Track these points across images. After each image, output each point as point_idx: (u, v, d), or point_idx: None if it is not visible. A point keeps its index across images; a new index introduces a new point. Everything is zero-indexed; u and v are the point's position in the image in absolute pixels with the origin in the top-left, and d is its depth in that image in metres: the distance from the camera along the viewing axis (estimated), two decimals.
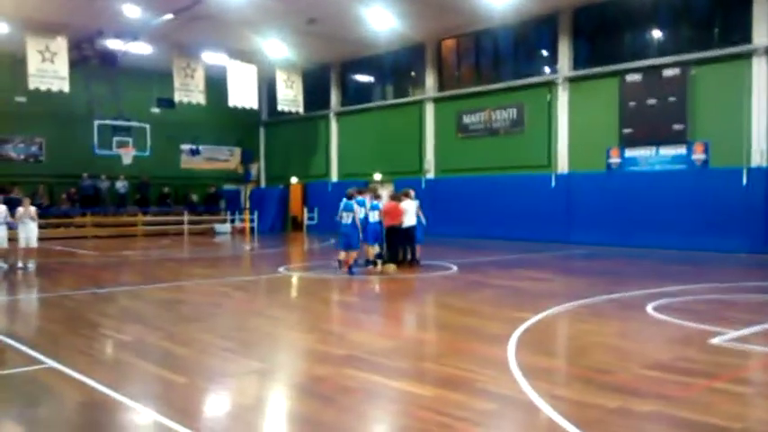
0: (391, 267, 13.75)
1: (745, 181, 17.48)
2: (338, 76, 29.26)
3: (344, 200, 13.60)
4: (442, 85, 25.29)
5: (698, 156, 18.44)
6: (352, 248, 13.41)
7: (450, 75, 25.27)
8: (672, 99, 18.70)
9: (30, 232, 14.68)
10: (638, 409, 4.87)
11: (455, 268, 14.12)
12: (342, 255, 13.60)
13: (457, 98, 24.51)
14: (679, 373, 5.84)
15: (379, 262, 13.76)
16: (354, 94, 29.03)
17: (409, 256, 14.61)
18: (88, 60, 23.64)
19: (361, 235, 13.45)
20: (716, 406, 4.92)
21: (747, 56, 17.54)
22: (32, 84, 20.69)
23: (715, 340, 7.00)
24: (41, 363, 6.24)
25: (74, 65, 22.12)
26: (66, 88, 21.28)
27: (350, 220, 13.27)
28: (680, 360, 6.29)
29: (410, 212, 14.37)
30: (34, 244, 14.83)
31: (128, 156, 25.28)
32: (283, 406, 5.32)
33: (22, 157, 26.53)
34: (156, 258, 18.01)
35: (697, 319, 8.18)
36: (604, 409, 4.85)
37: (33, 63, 20.57)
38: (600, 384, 5.51)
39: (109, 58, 23.71)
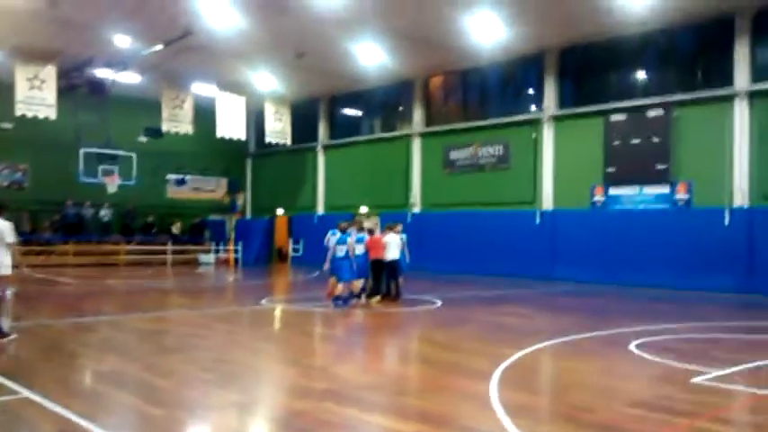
0: (375, 300, 13.72)
1: (727, 221, 17.70)
2: (327, 109, 29.49)
3: (338, 233, 13.65)
4: (429, 121, 25.56)
5: (681, 195, 18.67)
6: (345, 281, 13.39)
7: (438, 111, 25.56)
8: (656, 139, 19.01)
9: (3, 257, 13.63)
10: None
11: (439, 303, 14.09)
12: (339, 287, 13.48)
13: (444, 134, 24.76)
14: (661, 411, 5.82)
15: (364, 295, 13.73)
16: (342, 128, 29.24)
17: (393, 290, 14.57)
18: (77, 88, 23.67)
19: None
20: None
21: (729, 99, 17.92)
22: (19, 110, 20.63)
23: (697, 379, 7.00)
24: (16, 393, 6.11)
25: (62, 93, 22.10)
26: (53, 116, 21.23)
27: (343, 253, 13.32)
28: (662, 398, 6.28)
29: (392, 246, 14.36)
30: (7, 271, 13.69)
31: (113, 184, 25.18)
32: None
33: (5, 184, 26.32)
34: (139, 288, 17.83)
35: (679, 357, 8.18)
36: None
37: (21, 90, 20.54)
38: (582, 422, 5.48)
39: (98, 87, 23.76)
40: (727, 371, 7.48)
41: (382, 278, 14.31)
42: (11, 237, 8.71)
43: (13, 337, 8.89)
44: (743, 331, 10.87)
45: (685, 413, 5.81)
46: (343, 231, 13.69)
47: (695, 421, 5.56)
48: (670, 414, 5.75)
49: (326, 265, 13.58)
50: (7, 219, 8.99)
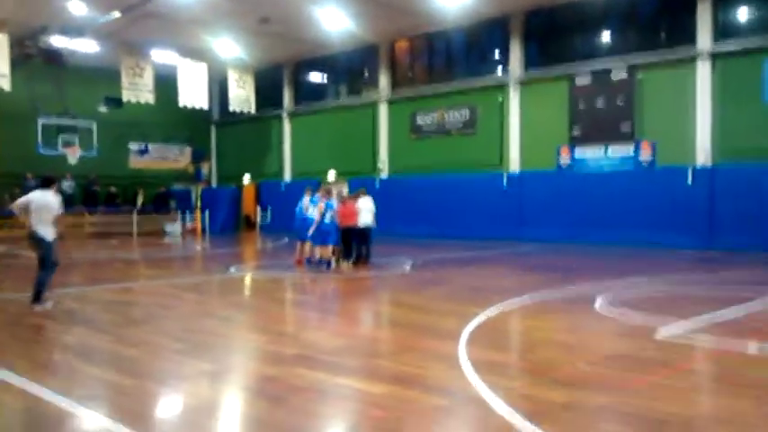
0: (345, 266, 13.79)
1: (690, 180, 18.05)
2: (291, 75, 29.09)
3: (323, 199, 13.74)
4: (395, 86, 25.40)
5: (645, 155, 18.96)
6: (327, 244, 13.53)
7: (404, 75, 25.39)
8: (620, 101, 19.20)
9: None
10: (587, 402, 4.98)
11: (408, 266, 14.19)
12: (317, 251, 13.63)
13: (410, 99, 24.66)
14: (625, 366, 5.98)
15: (333, 260, 13.78)
16: (307, 94, 28.90)
17: (364, 254, 14.61)
18: (31, 58, 22.94)
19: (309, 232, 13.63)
20: (660, 399, 5.05)
21: (692, 60, 18.14)
22: None
23: (660, 334, 7.19)
24: None
25: (16, 62, 21.42)
26: (7, 86, 20.59)
27: (330, 219, 13.44)
28: (626, 354, 6.45)
29: (365, 211, 14.38)
30: None
31: (74, 155, 24.63)
32: (234, 407, 5.25)
33: None
34: (104, 259, 17.59)
35: (643, 313, 8.39)
36: (554, 403, 4.93)
37: None
38: (549, 378, 5.60)
39: (53, 56, 23.05)
40: (690, 325, 7.69)
41: (353, 244, 14.33)
42: (58, 210, 9.52)
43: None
44: (704, 285, 11.17)
45: (649, 367, 5.97)
46: (327, 198, 13.80)
47: (658, 375, 5.72)
48: (635, 369, 5.91)
49: (310, 231, 13.58)
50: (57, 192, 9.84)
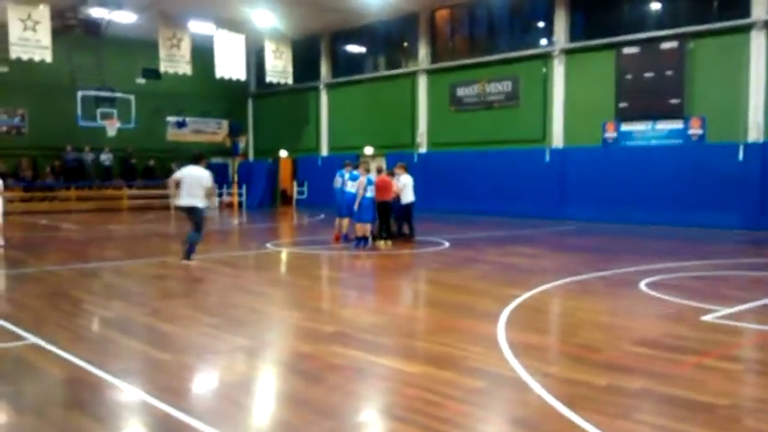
0: (382, 243, 13.64)
1: (741, 156, 17.43)
2: (328, 46, 28.86)
3: (346, 173, 13.87)
4: (435, 57, 24.98)
5: (694, 130, 18.35)
6: (365, 221, 13.39)
7: (444, 46, 24.96)
8: (669, 72, 18.56)
9: None
10: (628, 386, 4.82)
11: (447, 244, 14.04)
12: (359, 228, 13.47)
13: (450, 70, 24.22)
14: (669, 350, 5.78)
15: (369, 238, 13.67)
16: (345, 66, 28.65)
17: (406, 231, 14.49)
18: (71, 29, 23.18)
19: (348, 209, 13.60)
20: (705, 383, 4.88)
21: (746, 29, 17.39)
22: (14, 53, 20.23)
23: (707, 317, 6.96)
24: (24, 339, 6.11)
25: (57, 34, 21.63)
26: (48, 58, 20.82)
27: (371, 194, 13.28)
28: (670, 337, 6.24)
29: (409, 187, 14.26)
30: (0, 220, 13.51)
31: (112, 127, 24.93)
32: (270, 383, 5.23)
33: (4, 129, 26.08)
34: (142, 233, 17.83)
35: (689, 296, 8.14)
36: (593, 386, 4.79)
37: (15, 31, 20.09)
38: (589, 362, 5.45)
39: (92, 28, 23.24)
40: (737, 308, 7.43)
41: (390, 220, 14.16)
42: (208, 182, 10.89)
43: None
44: (754, 268, 10.80)
45: (694, 351, 5.77)
46: (368, 172, 13.71)
47: (703, 359, 5.53)
48: (678, 352, 5.71)
49: (356, 207, 13.43)
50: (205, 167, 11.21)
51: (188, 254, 10.89)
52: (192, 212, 10.76)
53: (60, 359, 5.49)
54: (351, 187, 13.67)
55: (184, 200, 10.64)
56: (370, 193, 13.33)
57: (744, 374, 5.36)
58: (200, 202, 10.72)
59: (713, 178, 17.74)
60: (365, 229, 13.51)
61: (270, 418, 4.43)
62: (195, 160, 11.16)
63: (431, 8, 24.46)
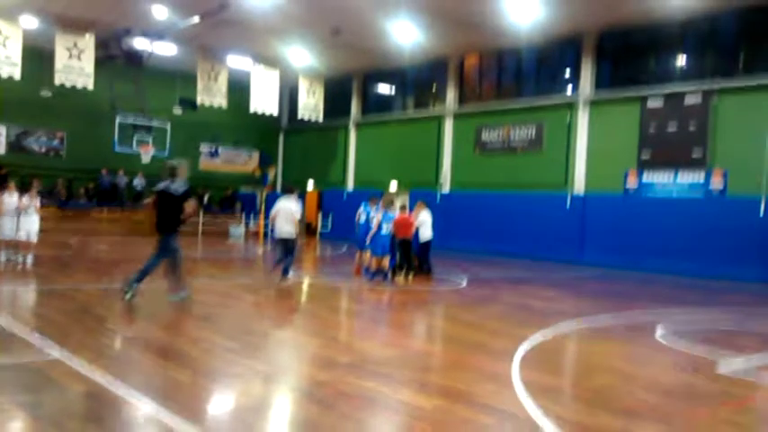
0: (401, 278, 13.75)
1: (762, 211, 17.31)
2: (360, 86, 29.41)
3: (371, 208, 14.01)
4: (462, 100, 25.34)
5: (716, 184, 18.29)
6: (386, 255, 13.60)
7: (472, 90, 25.31)
8: (692, 126, 18.60)
9: (32, 225, 13.62)
10: None
11: (465, 282, 14.08)
12: (374, 262, 13.69)
13: (477, 114, 24.54)
14: (683, 398, 5.77)
15: (390, 273, 13.80)
16: (375, 105, 29.15)
17: (425, 268, 14.58)
18: (114, 59, 23.96)
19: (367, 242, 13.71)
20: None
21: None
22: (58, 79, 20.98)
23: (723, 368, 6.92)
24: (47, 354, 6.28)
25: (100, 62, 22.41)
26: (90, 85, 21.54)
27: (388, 231, 13.52)
28: (685, 386, 6.22)
29: (427, 224, 14.36)
30: (34, 238, 13.75)
31: (147, 154, 25.54)
32: (283, 409, 5.32)
33: (43, 150, 26.88)
34: None
35: (706, 345, 8.09)
36: (606, 430, 4.80)
37: (60, 59, 20.86)
38: (603, 406, 5.46)
39: (134, 58, 24.02)
40: (754, 360, 7.37)
41: (412, 256, 14.27)
42: (297, 213, 12.17)
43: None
44: None
45: (708, 402, 5.75)
46: (386, 209, 13.85)
47: (718, 410, 5.50)
48: (693, 402, 5.70)
49: (368, 241, 13.69)
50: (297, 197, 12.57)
51: (285, 272, 12.17)
52: (287, 241, 12.06)
53: (81, 374, 5.63)
54: (385, 229, 13.61)
55: (279, 232, 12.08)
56: (386, 230, 13.51)
57: (758, 427, 5.33)
58: (293, 232, 12.02)
59: (734, 231, 17.59)
60: (384, 262, 13.67)
61: None
62: (286, 192, 12.51)
63: (460, 54, 24.90)
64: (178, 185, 9.62)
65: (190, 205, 9.72)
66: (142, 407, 4.91)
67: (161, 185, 9.59)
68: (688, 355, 7.64)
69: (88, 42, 21.31)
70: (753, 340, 8.95)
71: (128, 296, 9.41)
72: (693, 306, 12.05)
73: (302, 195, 30.90)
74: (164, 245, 9.59)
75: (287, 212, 11.97)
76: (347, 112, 29.63)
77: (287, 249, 12.11)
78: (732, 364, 7.09)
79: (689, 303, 12.49)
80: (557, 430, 4.72)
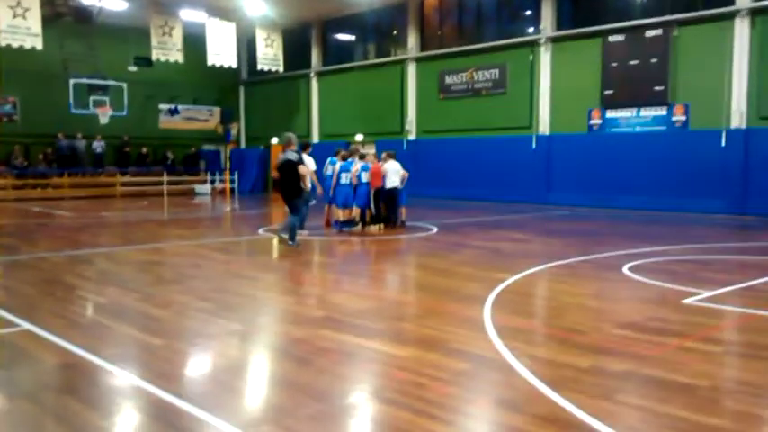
0: (375, 228, 13.88)
1: (724, 142, 17.61)
2: (319, 34, 28.81)
3: (339, 161, 14.05)
4: (424, 45, 25.03)
5: (678, 117, 18.51)
6: (350, 206, 13.82)
7: (433, 34, 24.98)
8: (654, 60, 18.67)
9: None
10: (611, 368, 4.95)
11: (435, 229, 14.17)
12: (340, 213, 13.93)
13: (439, 58, 24.28)
14: (652, 332, 5.93)
15: (361, 223, 13.88)
16: (335, 54, 28.64)
17: (394, 218, 14.65)
18: (62, 17, 23.05)
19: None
20: (686, 364, 5.02)
21: (730, 17, 17.49)
22: (3, 40, 20.13)
23: (689, 300, 7.11)
24: (16, 325, 6.19)
25: (47, 21, 21.53)
26: (39, 45, 20.73)
27: (348, 180, 13.66)
28: (653, 320, 6.39)
29: (391, 173, 14.35)
30: None
31: (105, 115, 24.84)
32: (261, 367, 5.34)
33: None
34: (135, 219, 17.87)
35: (672, 279, 8.30)
36: (577, 368, 4.92)
37: (4, 18, 19.97)
38: (574, 344, 5.59)
39: (84, 15, 23.14)
40: (719, 291, 7.59)
41: (380, 206, 14.37)
42: (312, 167, 12.39)
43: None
44: (735, 252, 10.99)
45: (676, 333, 5.92)
46: (344, 159, 14.00)
47: (685, 341, 5.67)
48: (661, 335, 5.86)
49: (330, 193, 14.00)
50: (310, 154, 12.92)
51: (292, 237, 11.66)
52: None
53: (53, 345, 5.56)
54: (344, 179, 13.77)
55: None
56: (345, 180, 13.68)
57: (724, 356, 5.50)
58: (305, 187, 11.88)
59: (697, 164, 17.94)
60: (350, 213, 13.85)
61: (261, 402, 4.54)
62: (302, 149, 12.42)
63: None
64: (292, 155, 11.10)
65: (302, 168, 11.20)
66: (118, 374, 4.89)
67: (281, 158, 11.17)
68: (656, 290, 7.83)
69: (33, 0, 20.41)
70: (717, 271, 9.21)
71: (298, 245, 11.31)
72: (660, 241, 12.32)
73: (267, 149, 30.61)
74: (293, 207, 11.38)
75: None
76: (308, 61, 29.08)
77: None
78: (698, 296, 7.29)
79: (655, 238, 12.76)
80: (529, 370, 4.82)
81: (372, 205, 14.13)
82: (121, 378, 4.84)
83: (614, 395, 4.40)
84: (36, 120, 26.04)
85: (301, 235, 12.13)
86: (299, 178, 11.12)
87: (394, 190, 14.38)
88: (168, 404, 4.27)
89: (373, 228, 13.91)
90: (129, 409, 4.35)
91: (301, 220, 12.13)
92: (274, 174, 12.39)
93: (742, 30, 17.32)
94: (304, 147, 12.92)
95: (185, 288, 8.17)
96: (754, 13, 17.17)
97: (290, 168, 11.07)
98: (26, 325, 6.16)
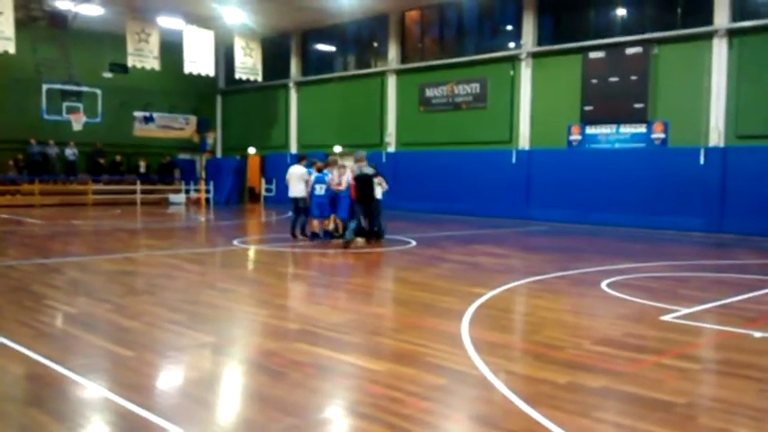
0: (360, 240, 13.81)
1: (702, 160, 17.83)
2: (299, 44, 28.74)
3: (314, 171, 14.05)
4: (404, 58, 25.08)
5: (657, 134, 18.71)
6: (326, 217, 14.04)
7: (414, 47, 25.07)
8: (633, 77, 18.88)
9: None
10: (588, 384, 4.91)
11: (414, 243, 14.12)
12: (315, 224, 14.08)
13: (419, 71, 24.33)
14: (629, 349, 5.91)
15: (332, 233, 13.93)
16: (315, 64, 28.58)
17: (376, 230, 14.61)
18: (36, 21, 22.70)
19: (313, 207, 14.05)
20: (663, 381, 5.00)
21: (708, 37, 17.78)
22: None
23: (666, 317, 7.13)
24: None
25: (21, 25, 21.20)
26: (11, 49, 20.38)
27: (323, 191, 13.72)
28: (631, 336, 6.38)
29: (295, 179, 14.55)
30: None
31: (78, 122, 24.48)
32: (233, 381, 5.21)
33: None
34: (107, 229, 17.57)
35: (650, 296, 8.32)
36: (555, 384, 4.88)
37: None
38: (551, 360, 5.54)
39: (58, 20, 22.81)
40: (695, 309, 7.62)
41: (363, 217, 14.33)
42: (306, 177, 13.96)
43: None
44: (713, 270, 11.08)
45: (653, 350, 5.91)
46: (320, 171, 13.96)
47: (662, 358, 5.66)
48: (638, 351, 5.84)
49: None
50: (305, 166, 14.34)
51: (295, 233, 14.16)
52: (298, 202, 14.04)
53: (20, 355, 5.41)
54: (319, 190, 13.69)
55: (293, 191, 14.09)
56: (319, 191, 13.80)
57: (700, 374, 5.50)
58: (303, 193, 13.91)
59: (675, 181, 18.13)
60: (325, 224, 14.03)
61: (233, 416, 4.42)
62: (297, 160, 14.86)
63: (401, 9, 24.53)
64: (367, 169, 13.54)
65: (379, 180, 13.71)
66: (87, 386, 4.74)
67: (357, 172, 13.50)
68: (633, 306, 7.84)
69: (5, 3, 20.09)
70: (694, 288, 9.25)
71: (358, 240, 13.48)
72: (638, 257, 12.39)
73: (244, 159, 30.38)
74: (368, 212, 13.64)
75: (297, 175, 13.93)
76: (287, 71, 28.98)
77: (301, 208, 13.98)
78: (675, 313, 7.31)
79: (633, 255, 12.83)
80: (506, 386, 4.77)
81: (362, 218, 14.03)
82: (90, 390, 4.69)
83: (592, 412, 4.36)
84: (7, 125, 25.54)
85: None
86: (373, 189, 13.33)
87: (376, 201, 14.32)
88: (138, 417, 4.15)
89: (359, 240, 13.86)
90: (98, 422, 4.22)
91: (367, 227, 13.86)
92: (352, 183, 13.64)
93: (720, 49, 17.59)
94: (299, 158, 15.01)
95: (157, 299, 8.01)
96: (732, 33, 17.47)
97: (367, 181, 13.31)
98: None
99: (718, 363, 5.91)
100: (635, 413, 4.34)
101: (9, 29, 20.15)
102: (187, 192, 29.16)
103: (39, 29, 23.09)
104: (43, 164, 26.50)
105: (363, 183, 13.33)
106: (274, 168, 28.89)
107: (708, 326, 7.06)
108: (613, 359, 5.59)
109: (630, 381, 4.99)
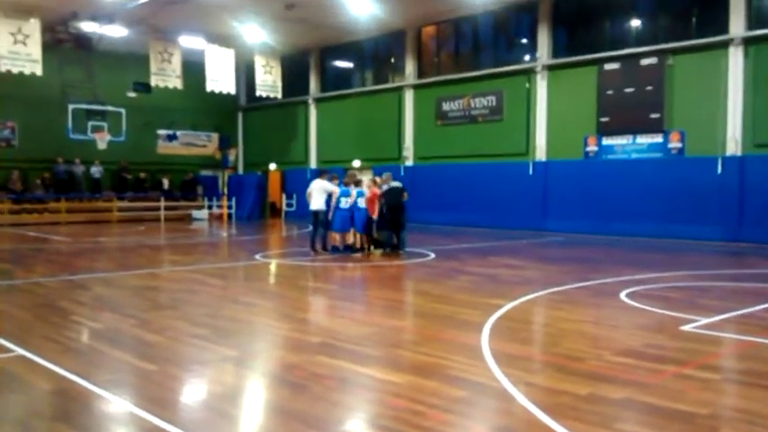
0: (377, 254, 13.93)
1: (719, 169, 17.69)
2: (317, 61, 29.05)
3: (341, 186, 14.38)
4: (421, 72, 25.24)
5: (674, 144, 18.61)
6: (347, 231, 14.23)
7: (430, 61, 25.21)
8: (649, 88, 18.83)
9: None
10: (609, 395, 4.91)
11: (432, 255, 14.15)
12: (336, 237, 14.30)
13: (436, 85, 24.47)
14: (650, 359, 5.89)
15: (356, 246, 14.03)
16: (334, 80, 28.85)
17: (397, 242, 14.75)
18: (62, 43, 23.22)
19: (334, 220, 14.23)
20: (685, 392, 4.98)
21: (724, 46, 17.69)
22: (3, 66, 20.29)
23: (686, 327, 7.09)
24: (10, 351, 6.13)
25: (47, 47, 21.71)
26: (38, 71, 20.89)
27: (347, 205, 13.98)
28: (651, 347, 6.36)
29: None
30: None
31: (103, 140, 24.92)
32: (256, 394, 5.29)
33: None
34: (131, 245, 17.82)
35: (669, 306, 8.27)
36: (575, 395, 4.88)
37: (4, 45, 20.16)
38: (572, 371, 5.55)
39: (84, 42, 23.32)
40: (716, 318, 7.57)
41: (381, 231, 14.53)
42: (330, 190, 14.11)
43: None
44: (732, 279, 10.98)
45: (674, 361, 5.88)
46: (347, 185, 14.32)
47: (683, 369, 5.64)
48: (659, 362, 5.82)
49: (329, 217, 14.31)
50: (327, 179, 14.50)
51: (315, 246, 14.35)
52: (319, 215, 14.15)
53: (47, 371, 5.50)
54: (344, 204, 13.90)
55: (315, 205, 14.14)
56: (344, 204, 13.96)
57: (722, 384, 5.46)
58: (324, 207, 14.08)
59: (693, 191, 17.99)
60: (347, 238, 14.15)
61: (255, 429, 4.49)
62: (318, 174, 15.17)
63: (417, 25, 24.73)
64: (395, 183, 14.55)
65: (405, 196, 14.49)
66: (112, 401, 4.83)
67: (384, 187, 14.36)
68: (653, 317, 7.81)
69: (33, 26, 20.63)
70: (714, 298, 9.19)
71: (389, 250, 14.24)
72: (656, 267, 12.30)
73: (265, 175, 30.65)
74: (398, 224, 14.36)
75: (320, 190, 14.03)
76: (306, 88, 29.28)
77: (321, 222, 14.11)
78: (695, 323, 7.27)
79: (652, 265, 12.75)
80: (527, 398, 4.78)
81: (375, 231, 14.23)
82: (115, 404, 4.78)
83: (613, 423, 4.36)
84: (34, 145, 26.10)
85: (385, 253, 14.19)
86: (402, 198, 14.20)
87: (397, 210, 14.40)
88: (162, 431, 4.21)
89: (377, 253, 13.98)
90: None
91: (395, 239, 14.38)
92: (370, 197, 14.13)
93: (736, 58, 17.50)
94: (320, 173, 15.45)
95: (181, 314, 8.13)
96: (747, 42, 17.37)
97: (398, 192, 14.23)
98: (19, 350, 6.11)
99: (740, 373, 5.86)
100: (656, 424, 4.34)
101: (36, 51, 20.66)
102: (210, 208, 29.46)
103: (65, 51, 23.60)
104: (69, 182, 26.98)
105: (394, 194, 14.08)
106: (295, 183, 29.11)
107: (728, 336, 7.01)
108: (634, 370, 5.58)
109: (652, 392, 4.97)
